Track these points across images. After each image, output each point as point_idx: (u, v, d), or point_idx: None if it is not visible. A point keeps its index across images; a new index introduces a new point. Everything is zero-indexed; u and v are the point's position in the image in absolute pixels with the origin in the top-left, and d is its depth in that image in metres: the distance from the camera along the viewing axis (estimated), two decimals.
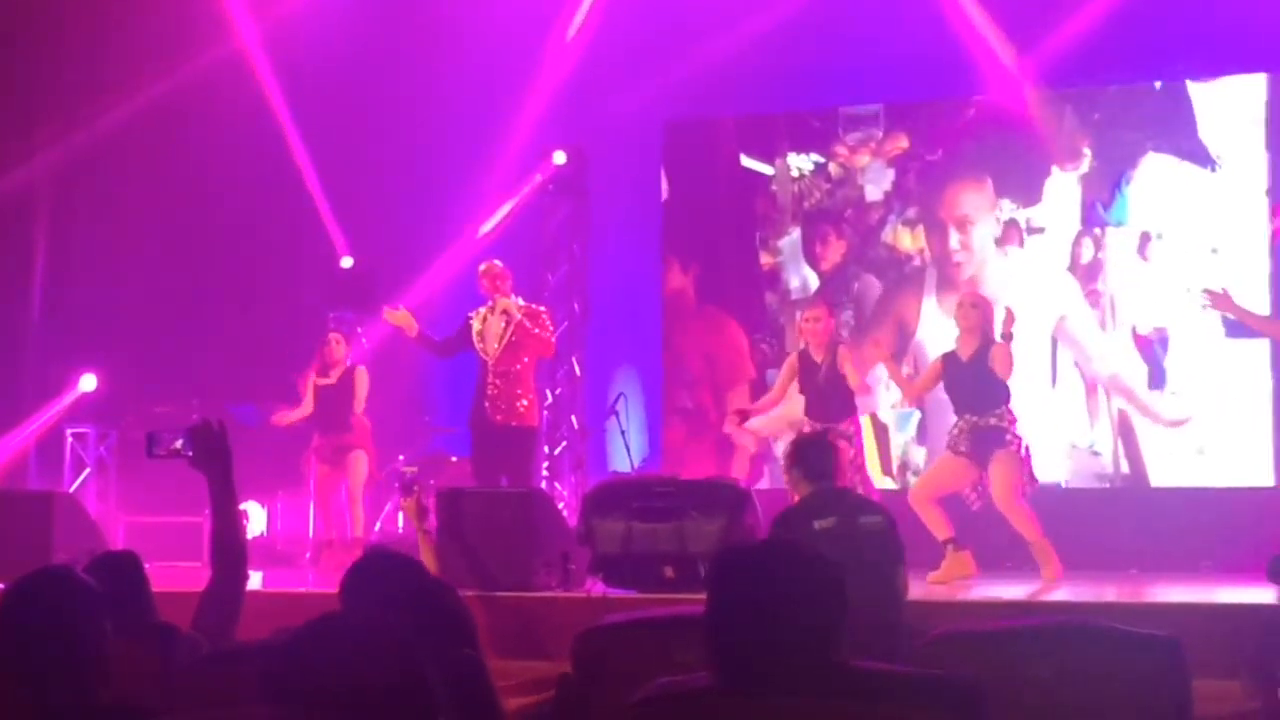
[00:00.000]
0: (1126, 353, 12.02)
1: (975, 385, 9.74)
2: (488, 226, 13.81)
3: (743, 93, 13.28)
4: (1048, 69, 12.14)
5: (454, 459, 12.86)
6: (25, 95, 13.94)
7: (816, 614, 2.95)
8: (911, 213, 12.76)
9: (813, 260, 13.08)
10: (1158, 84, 12.11)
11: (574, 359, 13.61)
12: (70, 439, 13.54)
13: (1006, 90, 12.32)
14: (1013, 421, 9.65)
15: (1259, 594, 8.00)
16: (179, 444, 4.94)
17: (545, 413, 11.67)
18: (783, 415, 11.72)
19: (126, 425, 13.37)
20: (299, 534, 12.87)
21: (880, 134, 12.87)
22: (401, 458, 13.17)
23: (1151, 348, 11.92)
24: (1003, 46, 12.28)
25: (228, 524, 4.95)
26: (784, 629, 2.92)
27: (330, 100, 14.02)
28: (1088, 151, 12.28)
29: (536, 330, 10.79)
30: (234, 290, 14.07)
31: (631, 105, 13.30)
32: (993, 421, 9.64)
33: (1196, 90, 11.97)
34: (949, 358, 10.03)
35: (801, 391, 10.76)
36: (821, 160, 13.07)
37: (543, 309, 11.25)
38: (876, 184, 12.85)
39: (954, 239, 12.55)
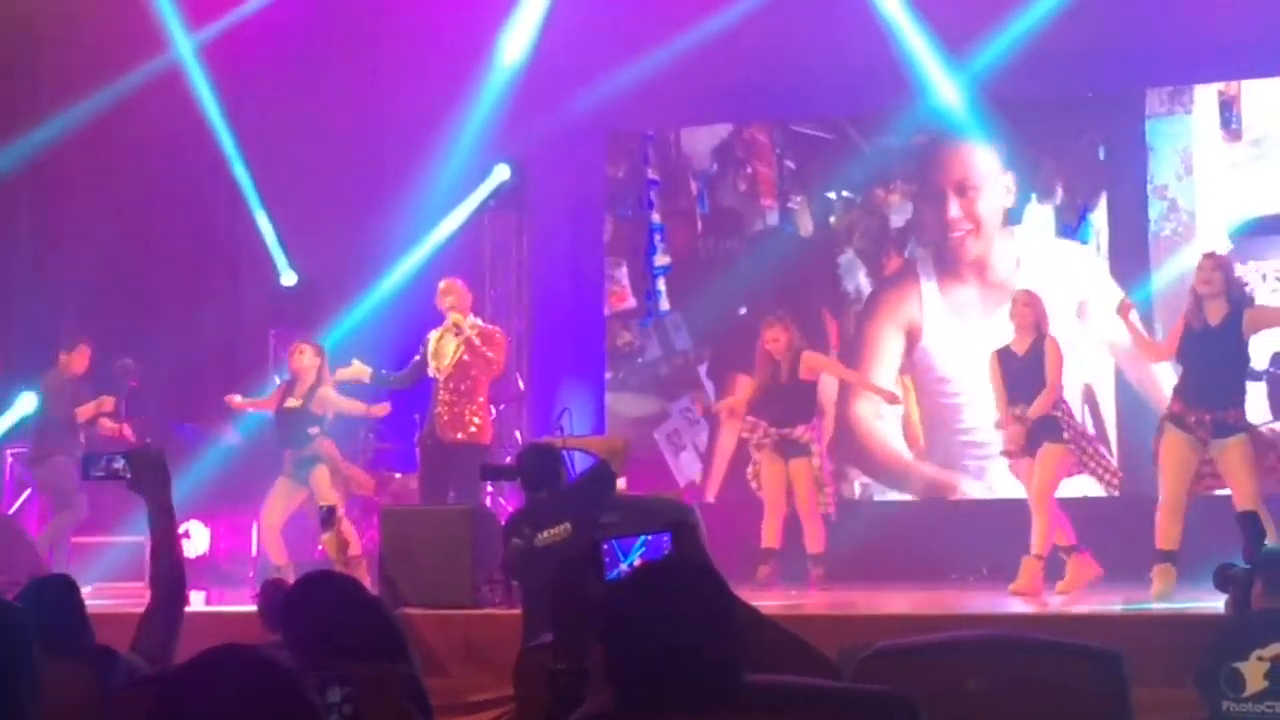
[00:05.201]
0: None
1: (1030, 379, 10.01)
2: (430, 242, 13.78)
3: (687, 103, 13.36)
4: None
5: (398, 475, 12.81)
6: None
7: (707, 630, 2.93)
8: (927, 236, 13.31)
9: (876, 271, 13.44)
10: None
11: (517, 374, 13.58)
12: (10, 459, 13.40)
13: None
14: (1070, 415, 10.09)
15: (1203, 603, 8.05)
16: (118, 465, 4.97)
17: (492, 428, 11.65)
18: None
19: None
20: (241, 553, 12.79)
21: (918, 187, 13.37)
22: None
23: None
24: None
25: (166, 547, 4.99)
26: (675, 647, 2.90)
27: (270, 117, 13.97)
28: (1060, 188, 12.96)
29: (488, 353, 10.85)
30: (175, 309, 13.97)
31: (573, 117, 13.33)
32: (1048, 411, 9.93)
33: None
34: (1003, 353, 10.26)
35: (759, 395, 11.02)
36: (858, 198, 13.50)
37: (498, 330, 11.29)
38: (899, 215, 13.39)
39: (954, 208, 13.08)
